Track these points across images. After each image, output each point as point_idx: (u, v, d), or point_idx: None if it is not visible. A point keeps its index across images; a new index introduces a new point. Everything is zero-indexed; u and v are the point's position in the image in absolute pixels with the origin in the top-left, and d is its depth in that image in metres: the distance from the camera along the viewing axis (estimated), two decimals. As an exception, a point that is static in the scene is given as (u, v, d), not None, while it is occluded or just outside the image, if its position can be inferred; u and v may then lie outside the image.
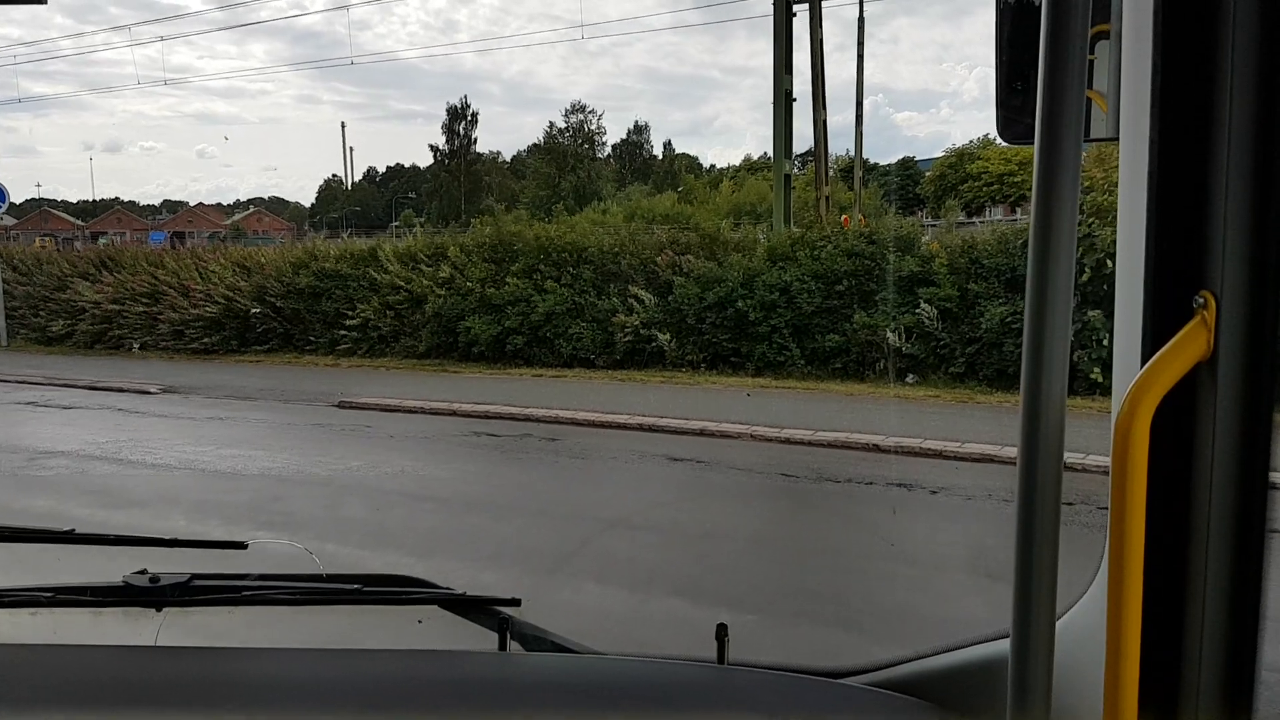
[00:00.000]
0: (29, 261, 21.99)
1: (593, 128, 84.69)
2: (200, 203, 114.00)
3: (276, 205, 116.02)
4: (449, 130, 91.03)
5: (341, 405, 13.98)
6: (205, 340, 19.19)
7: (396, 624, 1.69)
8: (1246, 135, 0.95)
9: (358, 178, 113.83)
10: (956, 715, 1.45)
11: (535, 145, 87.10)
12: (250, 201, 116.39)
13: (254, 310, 18.95)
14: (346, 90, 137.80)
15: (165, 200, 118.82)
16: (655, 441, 11.39)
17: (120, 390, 15.54)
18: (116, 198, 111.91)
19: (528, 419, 12.70)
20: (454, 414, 13.24)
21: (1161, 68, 1.00)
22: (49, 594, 1.51)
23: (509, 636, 1.61)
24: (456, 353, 17.58)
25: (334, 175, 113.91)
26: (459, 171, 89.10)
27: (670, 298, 16.16)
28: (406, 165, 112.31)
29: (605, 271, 16.92)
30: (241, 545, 1.70)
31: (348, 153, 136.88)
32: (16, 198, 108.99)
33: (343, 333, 18.45)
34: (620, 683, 1.55)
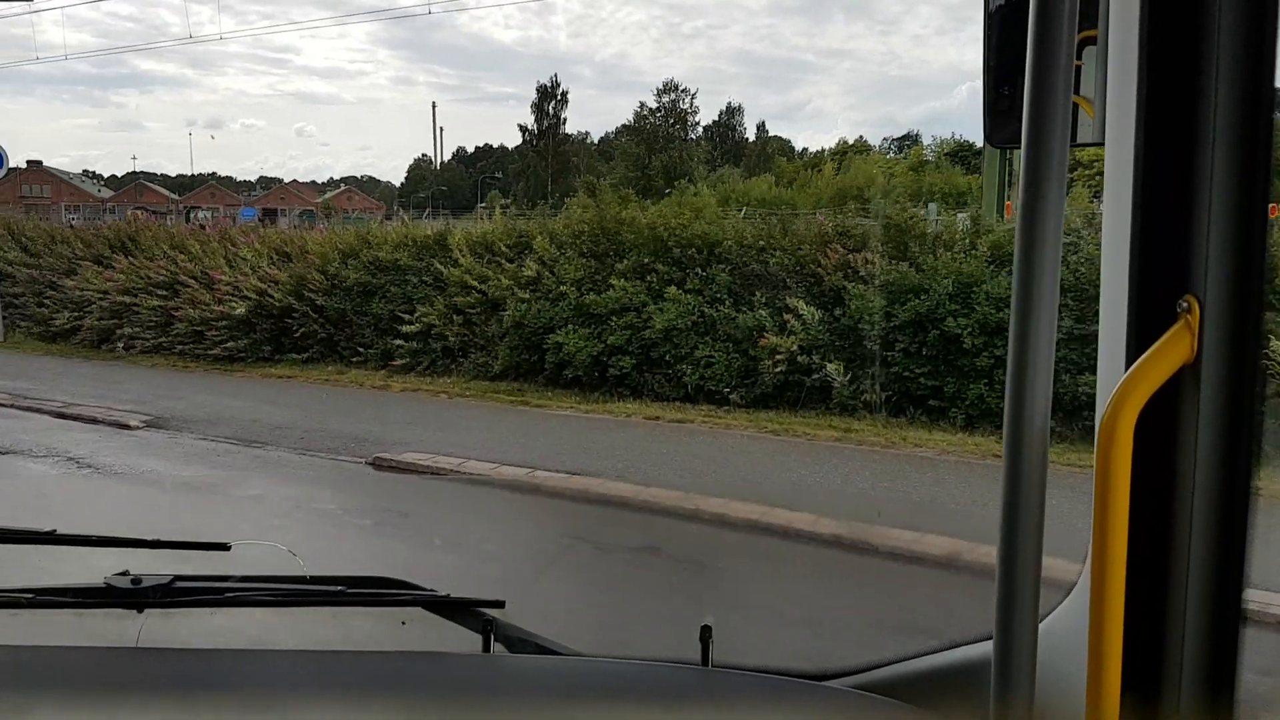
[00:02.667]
0: (39, 238, 17.93)
1: (685, 107, 79.84)
2: (294, 180, 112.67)
3: (368, 184, 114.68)
4: (538, 110, 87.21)
5: (377, 464, 9.40)
6: (229, 344, 14.83)
7: (380, 625, 1.64)
8: (1231, 141, 0.93)
9: (447, 157, 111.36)
10: (940, 718, 1.40)
11: (625, 126, 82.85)
12: (343, 180, 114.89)
13: (296, 321, 14.49)
14: (442, 72, 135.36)
15: (261, 177, 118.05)
16: (886, 576, 6.53)
17: (93, 421, 11.20)
18: (213, 173, 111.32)
19: (648, 508, 7.90)
20: (537, 489, 8.53)
21: (1147, 73, 0.99)
22: (29, 595, 1.45)
23: (493, 638, 1.55)
24: (542, 375, 12.89)
25: (424, 155, 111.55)
26: (547, 152, 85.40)
27: (840, 312, 11.22)
28: (495, 146, 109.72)
29: (747, 274, 12.02)
30: (225, 546, 1.62)
31: (438, 133, 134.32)
32: (117, 170, 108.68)
33: (398, 343, 13.91)
34: (604, 684, 1.51)
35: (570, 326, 12.52)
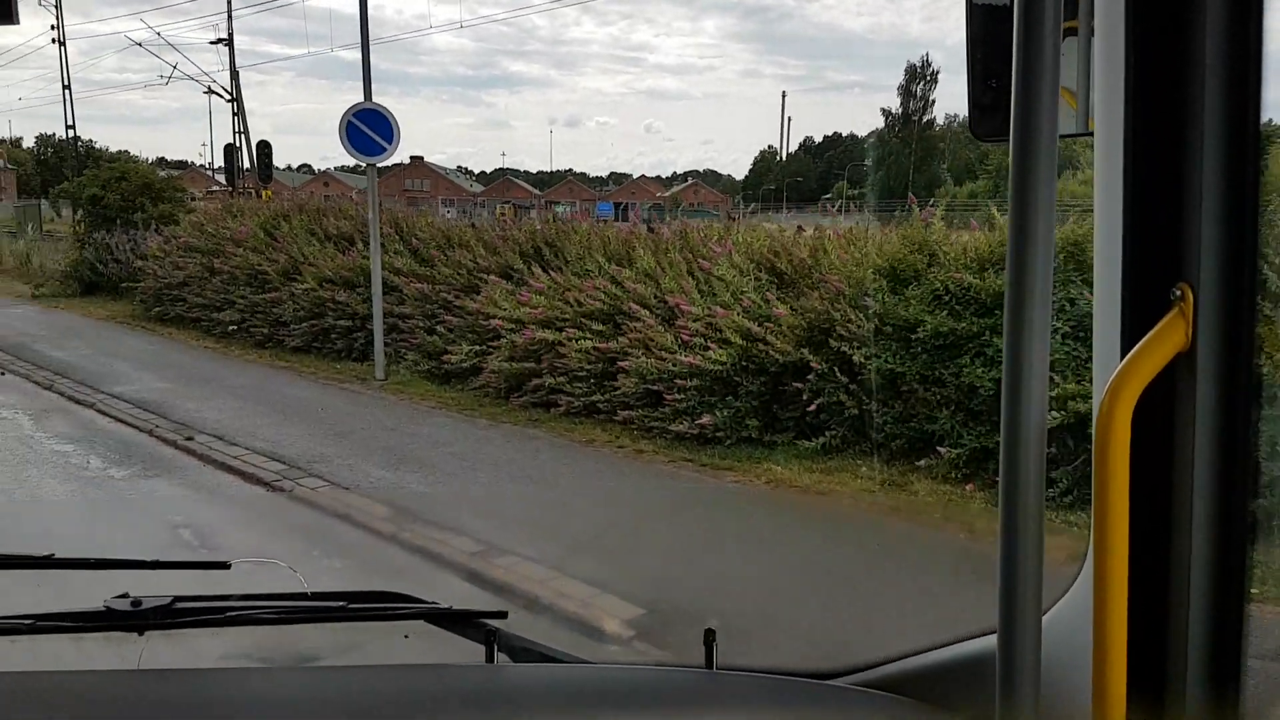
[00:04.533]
0: (432, 240, 13.43)
1: (1083, 82, 68.28)
2: (642, 175, 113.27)
3: (710, 178, 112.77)
4: (905, 93, 79.03)
5: None
6: (699, 420, 9.15)
7: (382, 640, 1.62)
8: (1220, 128, 0.93)
9: (793, 148, 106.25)
10: (946, 713, 1.38)
11: (1008, 105, 72.69)
12: (687, 174, 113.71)
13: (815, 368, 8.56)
14: (789, 64, 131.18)
15: (611, 172, 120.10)
16: None
17: (536, 604, 5.76)
18: (569, 169, 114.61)
19: None
20: None
21: (1135, 62, 0.98)
22: (29, 621, 1.42)
23: (496, 648, 1.51)
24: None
25: (769, 146, 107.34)
26: (911, 138, 77.13)
27: None
28: (844, 134, 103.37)
29: None
30: (225, 565, 1.60)
31: (785, 123, 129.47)
32: (485, 167, 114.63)
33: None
34: (609, 691, 1.48)
35: None
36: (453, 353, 11.86)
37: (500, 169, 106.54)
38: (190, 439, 9.32)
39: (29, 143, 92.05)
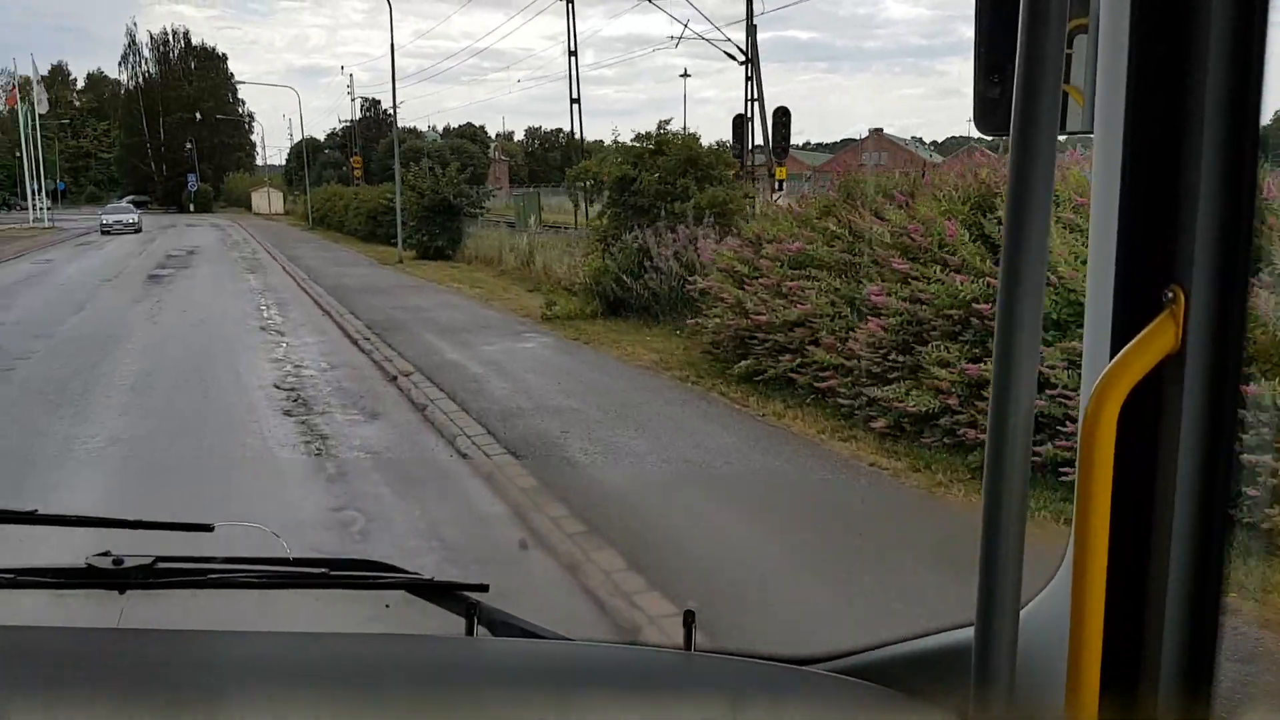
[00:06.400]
0: None
1: None
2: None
3: None
4: None
5: None
6: None
7: (363, 608, 1.60)
8: (1219, 131, 0.91)
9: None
10: (921, 702, 1.35)
11: None
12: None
13: None
14: None
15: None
16: None
17: None
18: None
19: None
20: None
21: (1136, 62, 0.96)
22: (9, 575, 1.40)
23: (476, 621, 1.48)
24: None
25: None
26: None
27: None
28: None
29: None
30: (208, 527, 1.54)
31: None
32: (937, 136, 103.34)
33: None
34: (587, 668, 1.46)
35: None
36: None
37: (953, 137, 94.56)
38: None
39: (519, 136, 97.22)
